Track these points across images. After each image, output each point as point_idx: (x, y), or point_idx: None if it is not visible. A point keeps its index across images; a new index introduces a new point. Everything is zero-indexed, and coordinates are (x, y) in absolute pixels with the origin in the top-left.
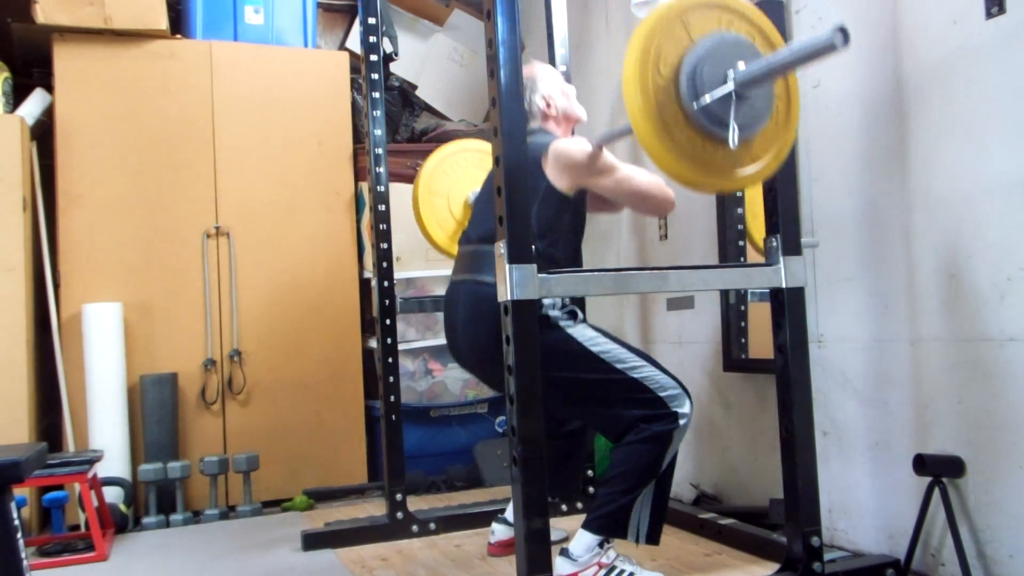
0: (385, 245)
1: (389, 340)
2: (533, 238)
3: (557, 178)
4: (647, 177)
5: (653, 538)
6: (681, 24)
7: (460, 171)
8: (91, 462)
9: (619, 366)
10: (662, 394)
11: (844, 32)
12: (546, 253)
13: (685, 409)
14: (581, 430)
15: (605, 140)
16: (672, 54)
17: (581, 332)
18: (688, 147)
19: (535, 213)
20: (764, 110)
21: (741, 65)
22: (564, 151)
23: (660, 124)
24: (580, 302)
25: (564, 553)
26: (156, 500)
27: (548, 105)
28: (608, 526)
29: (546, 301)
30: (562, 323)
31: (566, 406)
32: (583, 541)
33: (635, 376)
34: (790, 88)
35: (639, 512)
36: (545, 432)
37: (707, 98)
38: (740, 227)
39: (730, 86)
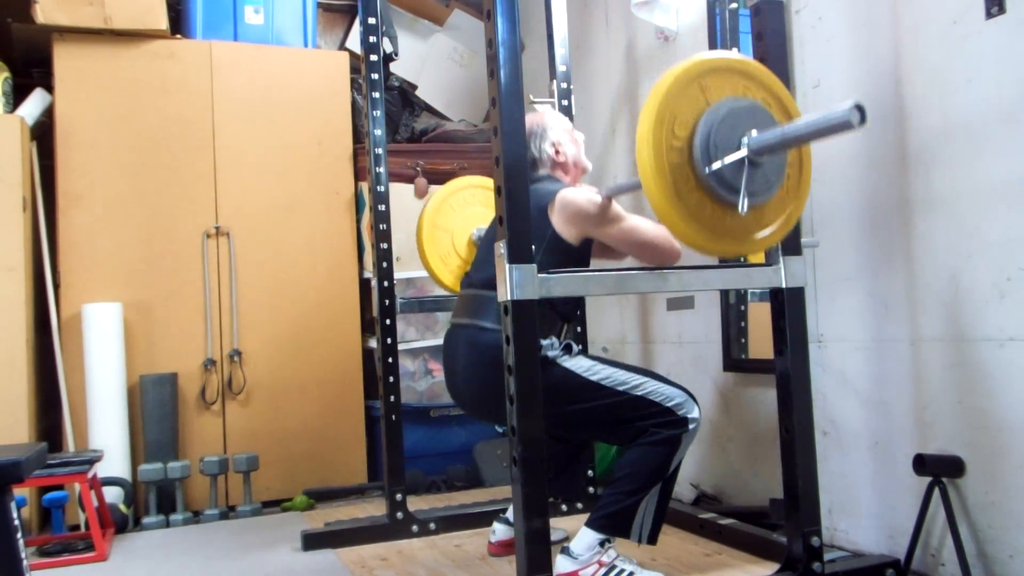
0: (385, 245)
1: (389, 340)
2: None
3: (563, 227)
4: (653, 228)
5: (653, 539)
6: (699, 87)
7: (467, 208)
8: (91, 462)
9: (621, 388)
10: (668, 404)
11: (861, 110)
12: (547, 301)
13: (694, 414)
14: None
15: (614, 192)
16: (688, 116)
17: (578, 364)
18: (697, 210)
19: (538, 261)
20: (776, 178)
21: (755, 132)
22: (572, 200)
23: (671, 185)
24: (579, 306)
25: (565, 551)
26: (156, 500)
27: (557, 152)
28: (613, 525)
29: (543, 342)
30: (560, 360)
31: (580, 433)
32: (585, 539)
33: (639, 394)
34: (803, 158)
35: (644, 513)
36: (553, 436)
37: (720, 163)
38: None
39: (744, 152)
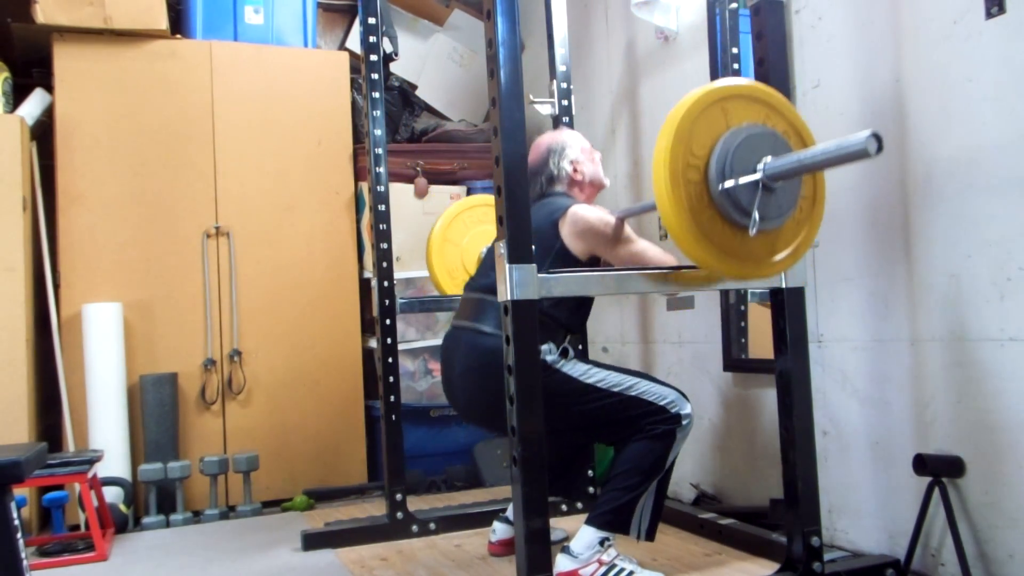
0: (385, 245)
1: (389, 340)
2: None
3: (572, 241)
4: (662, 255)
5: (651, 535)
6: (721, 109)
7: (479, 225)
8: (91, 462)
9: (616, 389)
10: (662, 402)
11: (878, 139)
12: (549, 312)
13: (686, 410)
14: None
15: (627, 213)
16: (707, 137)
17: (574, 368)
18: (709, 228)
19: (544, 272)
20: (788, 207)
21: (771, 158)
22: (583, 216)
23: (685, 201)
24: (584, 318)
25: (565, 550)
26: (156, 500)
27: (575, 170)
28: (612, 522)
29: (541, 347)
30: (556, 364)
31: (578, 435)
32: (585, 538)
33: (633, 394)
34: (817, 192)
35: (642, 509)
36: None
37: (734, 181)
38: None
39: (759, 176)
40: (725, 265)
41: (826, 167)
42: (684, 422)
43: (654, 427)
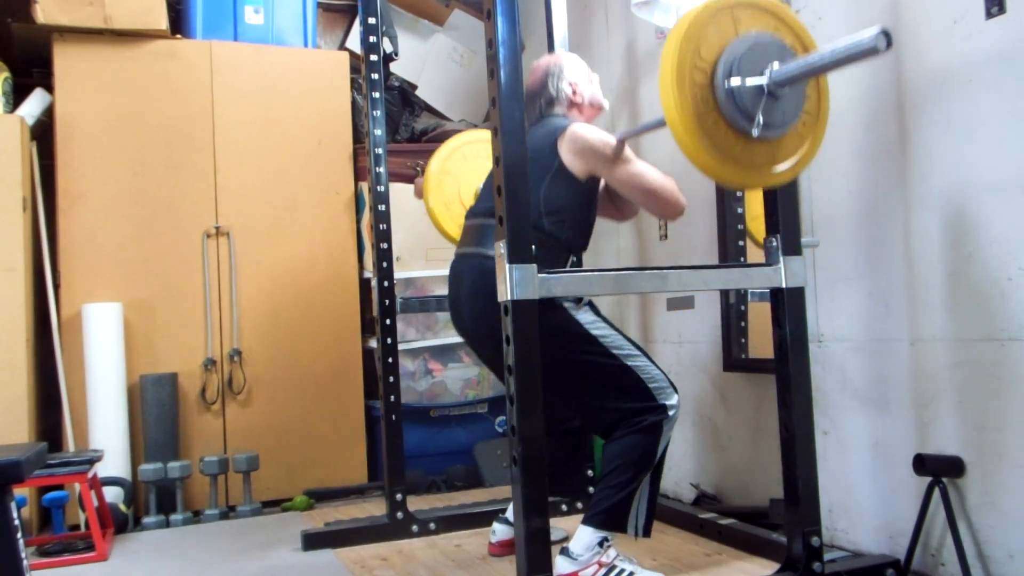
0: (385, 245)
1: (389, 340)
2: (538, 216)
3: (571, 160)
4: (661, 177)
5: (648, 531)
6: (731, 17)
7: (477, 160)
8: (91, 462)
9: (616, 352)
10: (652, 385)
11: (887, 35)
12: (551, 231)
13: (673, 401)
14: (581, 428)
15: (628, 134)
16: (715, 42)
17: (583, 315)
18: (712, 131)
19: (544, 190)
20: (791, 116)
21: (778, 65)
22: (582, 135)
23: (690, 101)
24: (587, 237)
25: (564, 552)
26: (156, 500)
27: (575, 92)
28: (609, 520)
29: None
30: (566, 304)
31: (561, 388)
32: (583, 539)
33: (629, 364)
34: (821, 105)
35: (638, 505)
36: (545, 430)
37: (738, 80)
38: (740, 227)
39: (764, 80)
40: (727, 170)
41: (834, 68)
42: (670, 413)
43: (641, 419)
